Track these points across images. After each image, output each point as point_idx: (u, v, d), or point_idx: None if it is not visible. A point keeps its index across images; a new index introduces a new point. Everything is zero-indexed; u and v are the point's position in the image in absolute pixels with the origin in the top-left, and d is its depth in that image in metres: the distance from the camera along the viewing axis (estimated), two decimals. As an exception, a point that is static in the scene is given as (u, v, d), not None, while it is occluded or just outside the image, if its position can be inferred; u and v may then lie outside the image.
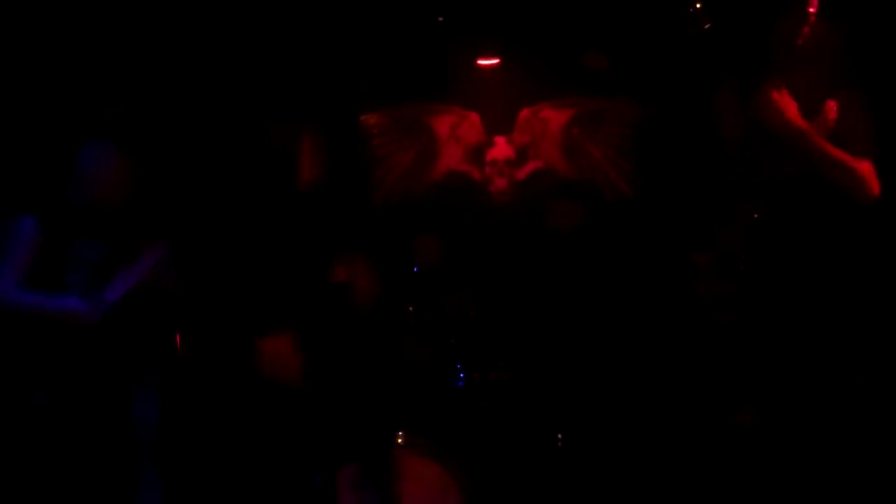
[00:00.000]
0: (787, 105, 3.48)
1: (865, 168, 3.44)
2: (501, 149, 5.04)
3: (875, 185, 3.42)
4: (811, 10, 3.50)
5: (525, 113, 5.05)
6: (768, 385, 3.60)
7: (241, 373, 3.96)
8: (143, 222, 3.76)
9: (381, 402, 3.96)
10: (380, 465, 3.80)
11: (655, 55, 4.83)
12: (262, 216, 4.04)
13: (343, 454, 3.81)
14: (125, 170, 3.71)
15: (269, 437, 3.87)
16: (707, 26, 4.48)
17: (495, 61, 5.06)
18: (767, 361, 3.60)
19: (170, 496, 3.68)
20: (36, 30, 4.30)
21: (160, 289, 3.66)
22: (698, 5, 4.36)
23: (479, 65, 5.07)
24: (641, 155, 4.96)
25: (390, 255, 4.51)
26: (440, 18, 4.87)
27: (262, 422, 3.89)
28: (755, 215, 3.94)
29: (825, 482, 3.43)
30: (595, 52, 4.93)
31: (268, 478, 3.82)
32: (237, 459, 3.85)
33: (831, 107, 3.48)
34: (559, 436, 4.33)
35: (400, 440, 3.89)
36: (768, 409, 3.60)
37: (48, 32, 4.31)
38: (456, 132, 5.10)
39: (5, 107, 4.26)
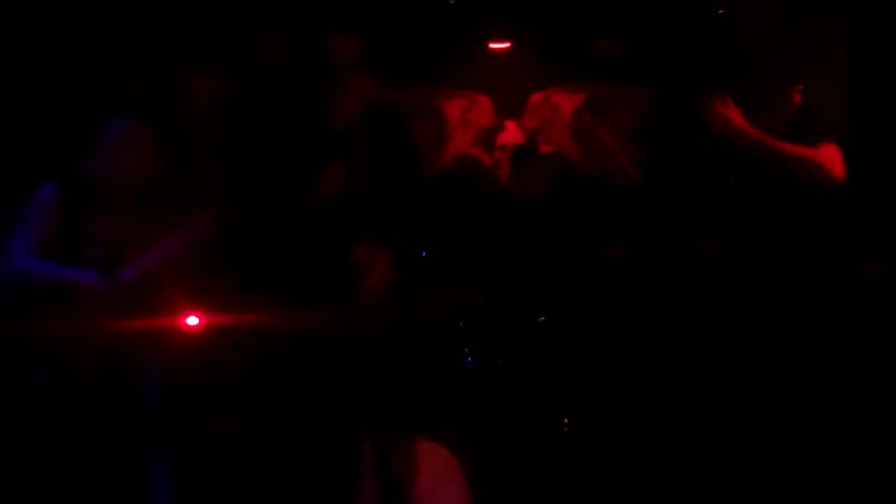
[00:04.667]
0: (732, 114, 3.54)
1: (825, 153, 3.47)
2: (512, 133, 5.03)
3: (838, 169, 3.46)
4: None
5: (536, 97, 5.04)
6: (761, 370, 3.62)
7: (250, 351, 3.96)
8: (169, 199, 3.72)
9: (389, 385, 3.97)
10: (387, 449, 3.82)
11: (667, 40, 4.80)
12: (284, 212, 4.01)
13: (355, 433, 3.83)
14: (146, 147, 3.68)
15: (279, 415, 3.89)
16: (720, 12, 4.46)
17: (507, 45, 5.04)
18: (751, 346, 3.63)
19: (179, 476, 3.68)
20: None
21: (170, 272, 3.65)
22: (711, -10, 4.34)
23: (491, 48, 5.05)
24: (652, 141, 4.94)
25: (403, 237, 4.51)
26: (451, 1, 4.86)
27: (273, 400, 3.90)
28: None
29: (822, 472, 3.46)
30: (606, 37, 4.91)
31: (278, 457, 3.83)
32: (247, 439, 3.86)
33: (794, 92, 3.52)
34: (565, 421, 4.35)
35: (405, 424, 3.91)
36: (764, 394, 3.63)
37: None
38: (466, 116, 5.09)
39: (30, 81, 4.22)
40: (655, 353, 4.33)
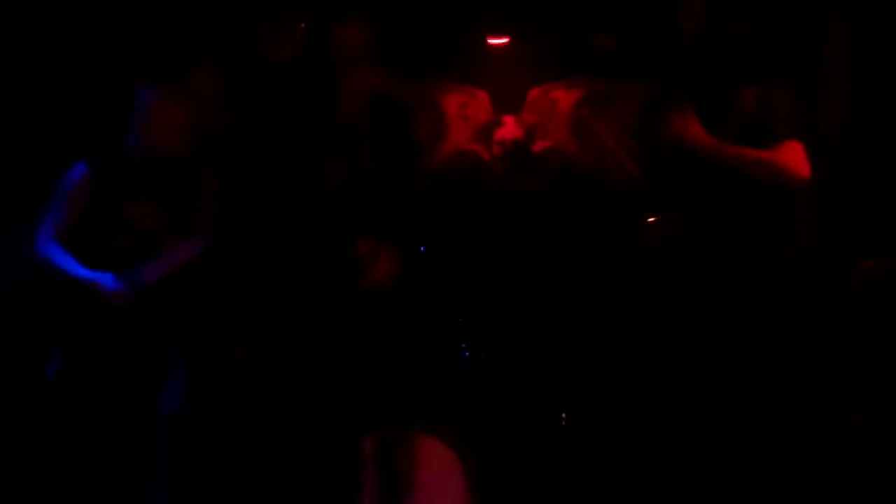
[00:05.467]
0: (691, 127, 3.54)
1: (788, 154, 3.46)
2: (510, 128, 5.02)
3: (803, 167, 3.44)
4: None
5: (534, 92, 5.03)
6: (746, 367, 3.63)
7: (253, 346, 3.96)
8: (203, 193, 3.68)
9: (389, 380, 3.98)
10: (387, 444, 3.83)
11: (666, 34, 4.80)
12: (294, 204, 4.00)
13: (356, 428, 3.84)
14: (182, 111, 3.63)
15: (282, 410, 3.89)
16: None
17: (505, 40, 5.04)
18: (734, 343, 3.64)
19: (181, 481, 3.67)
20: None
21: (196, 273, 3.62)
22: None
23: (489, 43, 5.05)
24: (650, 136, 4.94)
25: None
26: (450, -4, 4.86)
27: (276, 395, 3.90)
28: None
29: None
30: (606, 32, 4.91)
31: (281, 452, 3.84)
32: (249, 433, 3.87)
33: (748, 96, 3.52)
34: (563, 415, 4.36)
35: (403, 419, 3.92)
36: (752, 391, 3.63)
37: None
38: (464, 111, 5.08)
39: (62, 55, 4.16)
40: (653, 348, 4.35)
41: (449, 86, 5.07)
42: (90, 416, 3.45)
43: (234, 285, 3.76)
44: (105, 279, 3.43)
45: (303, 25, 4.44)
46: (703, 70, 3.66)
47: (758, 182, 3.48)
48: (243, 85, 4.04)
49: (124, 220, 3.53)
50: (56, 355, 3.48)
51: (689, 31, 3.73)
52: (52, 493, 3.45)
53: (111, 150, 3.59)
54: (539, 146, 5.01)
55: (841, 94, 3.82)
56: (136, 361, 3.50)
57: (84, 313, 3.46)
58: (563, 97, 5.02)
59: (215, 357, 3.71)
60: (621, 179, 4.94)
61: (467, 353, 4.41)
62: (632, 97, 4.97)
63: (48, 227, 3.46)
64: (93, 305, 3.43)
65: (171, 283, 3.55)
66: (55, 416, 3.47)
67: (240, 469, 3.73)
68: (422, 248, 4.60)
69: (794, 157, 3.45)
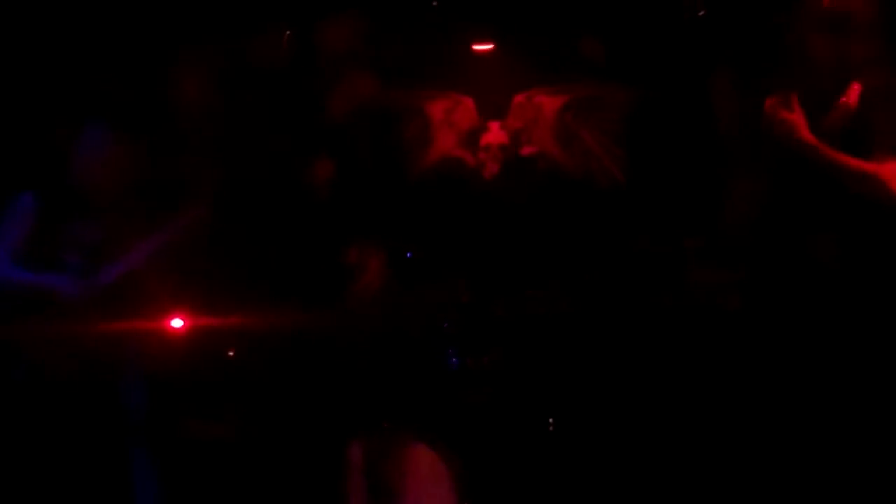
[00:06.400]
0: (795, 120, 3.31)
1: (887, 171, 3.27)
2: (495, 134, 5.04)
3: None
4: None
5: (519, 98, 5.05)
6: (773, 382, 3.51)
7: (239, 352, 3.96)
8: (145, 204, 3.72)
9: (377, 386, 3.98)
10: (374, 450, 3.83)
11: (650, 41, 4.82)
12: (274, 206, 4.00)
13: (343, 434, 3.84)
14: (124, 155, 3.68)
15: (268, 416, 3.89)
16: (702, 13, 4.49)
17: (490, 46, 5.05)
18: (773, 354, 3.49)
19: (164, 476, 3.68)
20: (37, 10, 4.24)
21: (154, 274, 3.66)
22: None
23: (474, 50, 5.06)
24: (635, 141, 4.96)
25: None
26: (434, 3, 4.87)
27: (262, 401, 3.90)
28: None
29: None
30: (590, 37, 4.92)
31: (267, 457, 3.84)
32: (235, 439, 3.86)
33: (854, 90, 3.31)
34: (550, 421, 4.36)
35: (390, 426, 3.92)
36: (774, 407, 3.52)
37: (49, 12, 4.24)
38: (450, 117, 5.09)
39: (7, 89, 4.20)
40: (641, 353, 4.35)
41: (434, 92, 5.09)
42: (58, 420, 3.46)
43: (222, 287, 3.77)
44: (62, 281, 3.47)
45: (288, 33, 4.45)
46: (809, 60, 3.39)
47: (852, 191, 3.28)
48: (229, 89, 4.04)
49: (71, 238, 3.57)
50: (20, 360, 3.50)
51: (794, 30, 3.46)
52: (25, 497, 3.45)
53: (54, 181, 3.63)
54: (524, 152, 5.02)
55: None
56: (100, 364, 3.52)
57: (47, 318, 3.49)
58: (548, 103, 5.03)
59: (190, 361, 3.73)
60: (606, 184, 4.96)
61: (455, 359, 4.41)
62: (617, 102, 4.99)
63: None
64: (54, 309, 3.47)
65: (138, 284, 3.58)
66: (22, 420, 3.48)
67: (226, 475, 3.73)
68: (409, 255, 4.61)
69: (892, 175, 3.27)
